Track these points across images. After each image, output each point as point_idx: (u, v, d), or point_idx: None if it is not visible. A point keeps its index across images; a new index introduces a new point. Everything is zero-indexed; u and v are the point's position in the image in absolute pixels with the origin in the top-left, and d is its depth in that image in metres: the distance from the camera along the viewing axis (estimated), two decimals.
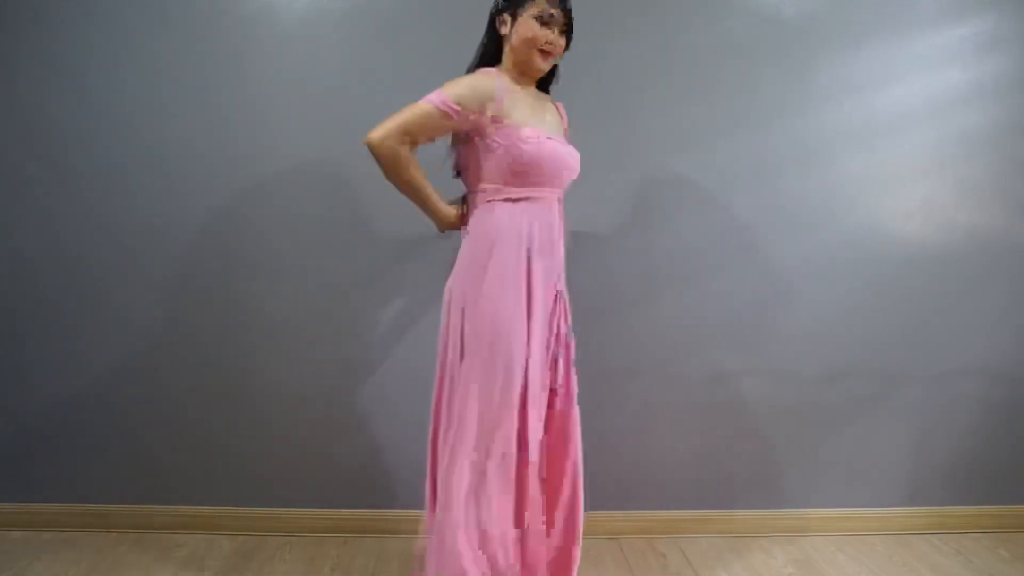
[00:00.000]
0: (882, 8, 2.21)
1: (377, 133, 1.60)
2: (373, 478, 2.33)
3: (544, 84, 1.83)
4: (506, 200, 1.67)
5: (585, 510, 2.32)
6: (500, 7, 1.70)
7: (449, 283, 1.73)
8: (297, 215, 2.24)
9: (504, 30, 1.69)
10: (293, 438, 2.32)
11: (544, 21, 1.65)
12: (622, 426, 2.34)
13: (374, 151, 1.62)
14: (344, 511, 2.32)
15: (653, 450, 2.35)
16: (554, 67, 1.79)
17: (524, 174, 1.65)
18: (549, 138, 1.67)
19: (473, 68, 1.75)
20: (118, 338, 2.28)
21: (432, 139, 1.68)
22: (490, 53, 1.74)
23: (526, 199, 1.67)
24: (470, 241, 1.70)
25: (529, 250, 1.66)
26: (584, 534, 2.32)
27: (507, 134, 1.63)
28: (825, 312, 2.31)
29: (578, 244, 2.23)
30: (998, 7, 2.22)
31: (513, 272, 1.64)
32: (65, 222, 2.24)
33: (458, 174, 1.80)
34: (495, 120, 1.63)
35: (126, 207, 2.23)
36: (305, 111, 2.20)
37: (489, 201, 1.68)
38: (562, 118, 1.84)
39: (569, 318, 1.79)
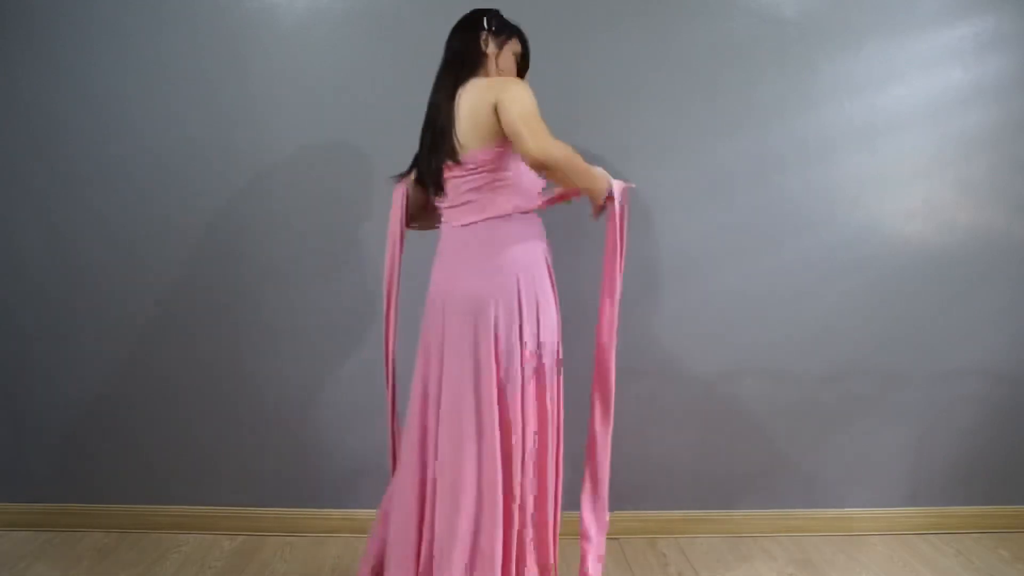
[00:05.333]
0: (882, 8, 2.21)
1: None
2: (373, 478, 2.32)
3: None
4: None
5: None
6: (491, 28, 1.75)
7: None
8: (297, 215, 2.24)
9: (488, 50, 1.73)
10: (293, 438, 2.32)
11: (518, 61, 1.78)
12: (622, 426, 2.33)
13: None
14: (344, 511, 2.32)
15: (653, 450, 2.35)
16: None
17: None
18: None
19: (455, 72, 1.72)
20: (118, 338, 2.28)
21: None
22: (472, 62, 1.72)
23: None
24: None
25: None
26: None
27: None
28: (825, 312, 2.31)
29: (578, 245, 2.24)
30: (998, 7, 2.22)
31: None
32: (66, 222, 2.24)
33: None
34: None
35: (126, 207, 2.23)
36: (306, 111, 2.20)
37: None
38: None
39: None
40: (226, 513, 2.34)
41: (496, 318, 1.67)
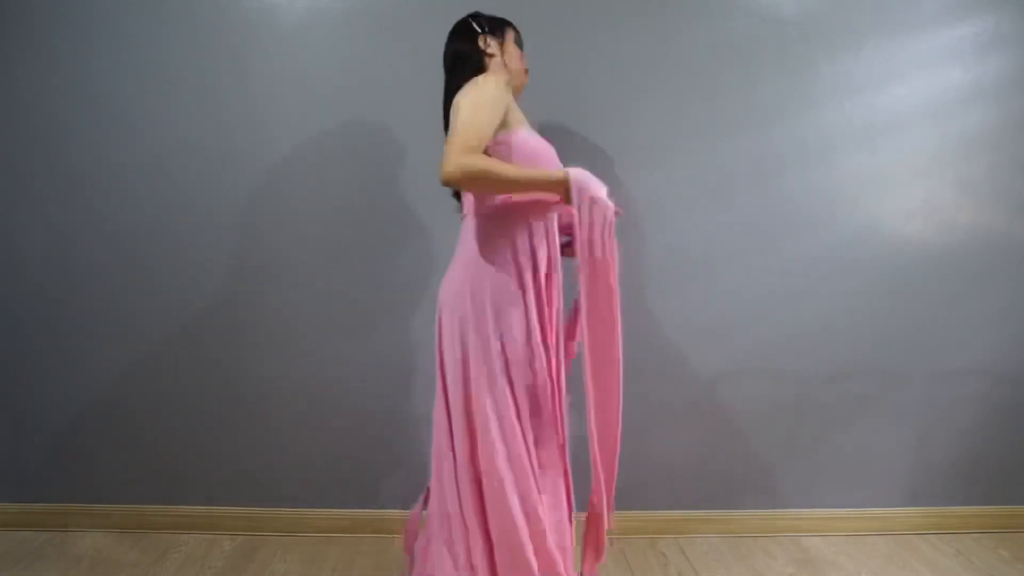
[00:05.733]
0: (882, 8, 2.21)
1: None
2: (373, 478, 2.33)
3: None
4: None
5: (582, 511, 2.34)
6: (485, 30, 1.75)
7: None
8: (297, 215, 2.24)
9: (490, 50, 1.74)
10: (293, 438, 2.32)
11: (520, 44, 1.79)
12: (622, 426, 2.34)
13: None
14: (344, 511, 2.32)
15: (653, 450, 2.35)
16: None
17: None
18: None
19: (456, 78, 1.70)
20: (119, 338, 2.28)
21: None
22: (474, 65, 1.72)
23: None
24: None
25: None
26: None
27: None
28: (825, 312, 2.31)
29: None
30: (998, 7, 2.22)
31: None
32: (66, 223, 2.24)
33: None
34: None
35: (126, 207, 2.23)
36: (306, 111, 2.20)
37: None
38: None
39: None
40: (226, 513, 2.34)
41: (440, 321, 1.64)
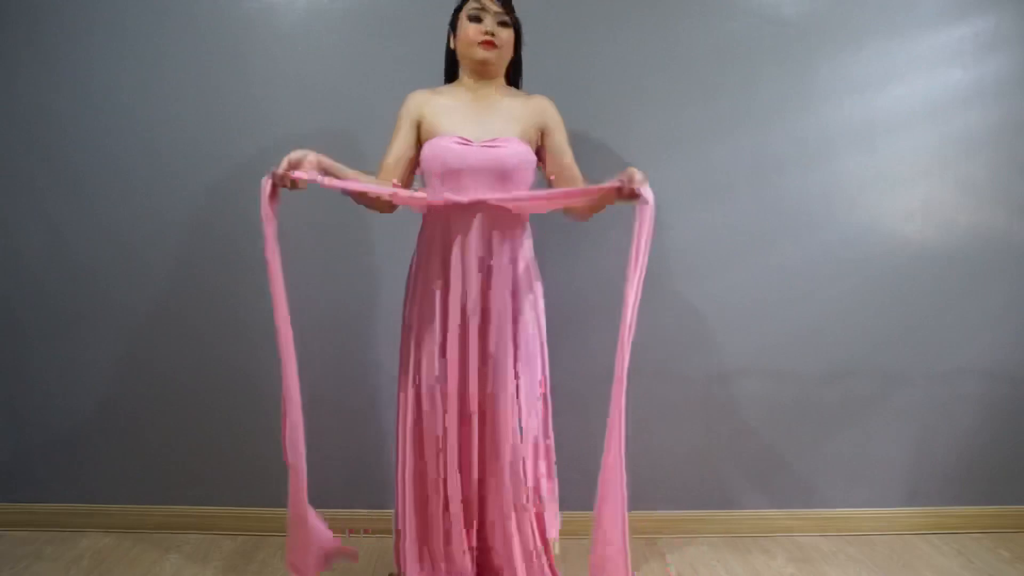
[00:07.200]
0: (882, 8, 2.21)
1: None
2: (373, 478, 2.33)
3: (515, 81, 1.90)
4: None
5: (584, 510, 2.34)
6: (448, 30, 1.81)
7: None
8: (296, 215, 2.24)
9: (453, 45, 1.80)
10: None
11: (474, 17, 1.72)
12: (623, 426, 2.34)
13: None
14: (344, 511, 2.32)
15: (653, 450, 2.35)
16: (517, 62, 1.85)
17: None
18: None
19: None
20: (118, 338, 2.28)
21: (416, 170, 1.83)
22: (450, 71, 1.86)
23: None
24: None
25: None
26: (584, 533, 2.33)
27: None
28: (825, 312, 2.31)
29: (578, 244, 2.24)
30: (998, 7, 2.22)
31: None
32: (66, 222, 2.24)
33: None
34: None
35: (126, 207, 2.23)
36: (306, 111, 2.20)
37: None
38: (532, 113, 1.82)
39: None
40: (226, 513, 2.34)
41: None
